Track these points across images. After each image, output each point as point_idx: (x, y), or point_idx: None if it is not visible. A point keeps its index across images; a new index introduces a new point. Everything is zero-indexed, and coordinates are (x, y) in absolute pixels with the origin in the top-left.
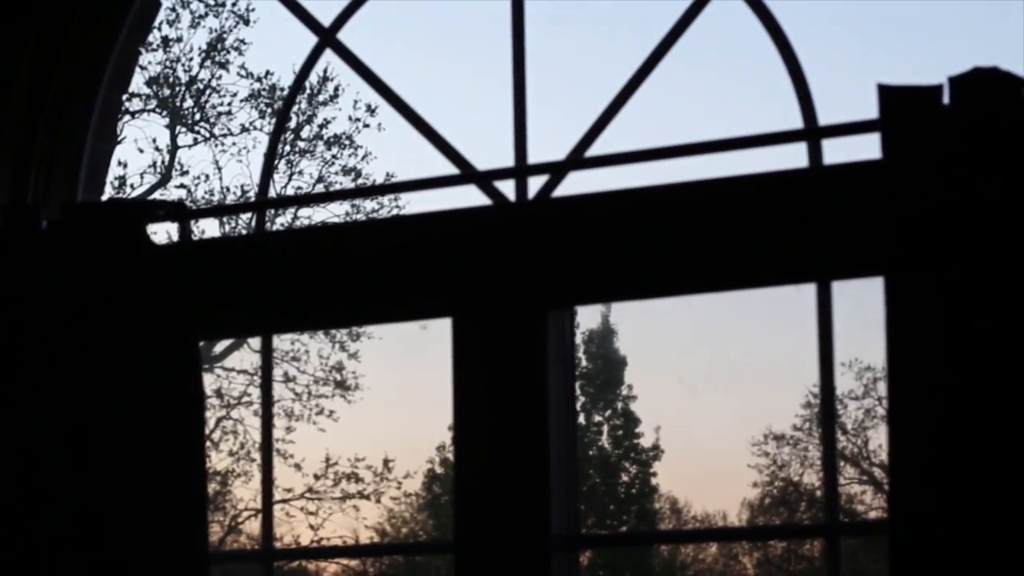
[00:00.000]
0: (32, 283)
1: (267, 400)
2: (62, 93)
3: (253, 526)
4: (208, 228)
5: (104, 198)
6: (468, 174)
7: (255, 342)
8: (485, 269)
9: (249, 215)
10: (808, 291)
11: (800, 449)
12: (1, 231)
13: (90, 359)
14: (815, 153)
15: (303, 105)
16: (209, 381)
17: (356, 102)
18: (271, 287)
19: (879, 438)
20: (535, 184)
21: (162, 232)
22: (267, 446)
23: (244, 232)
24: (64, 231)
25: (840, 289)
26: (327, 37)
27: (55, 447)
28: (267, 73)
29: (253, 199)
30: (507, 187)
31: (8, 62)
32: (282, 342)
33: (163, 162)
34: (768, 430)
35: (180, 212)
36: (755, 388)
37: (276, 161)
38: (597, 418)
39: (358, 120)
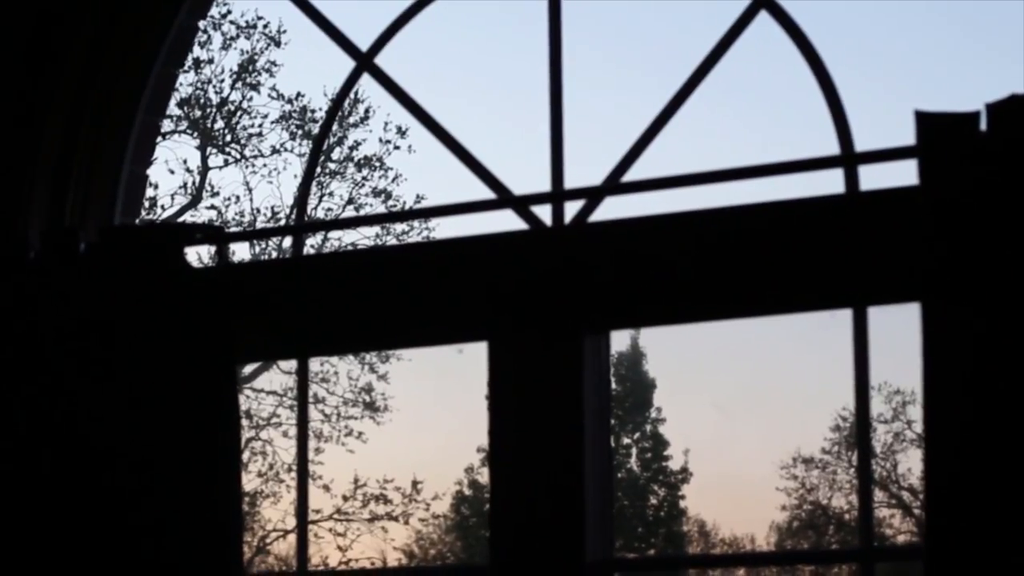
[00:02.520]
0: (70, 306)
1: (303, 422)
2: (100, 117)
3: (281, 547)
4: (238, 250)
5: (141, 223)
6: (505, 199)
7: (284, 363)
8: (521, 293)
9: (279, 237)
10: (839, 315)
11: (829, 473)
12: (39, 254)
13: (128, 381)
14: (852, 179)
15: (334, 127)
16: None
17: (387, 124)
18: (308, 310)
19: (908, 462)
20: (571, 209)
21: (192, 254)
22: (303, 467)
23: (276, 254)
24: (102, 254)
25: (868, 312)
26: (365, 62)
27: (92, 468)
28: (298, 95)
29: (284, 221)
30: (543, 211)
31: (47, 85)
32: (311, 363)
33: (194, 183)
34: (797, 453)
35: (217, 236)
36: (783, 411)
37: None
38: (626, 440)
39: (388, 142)
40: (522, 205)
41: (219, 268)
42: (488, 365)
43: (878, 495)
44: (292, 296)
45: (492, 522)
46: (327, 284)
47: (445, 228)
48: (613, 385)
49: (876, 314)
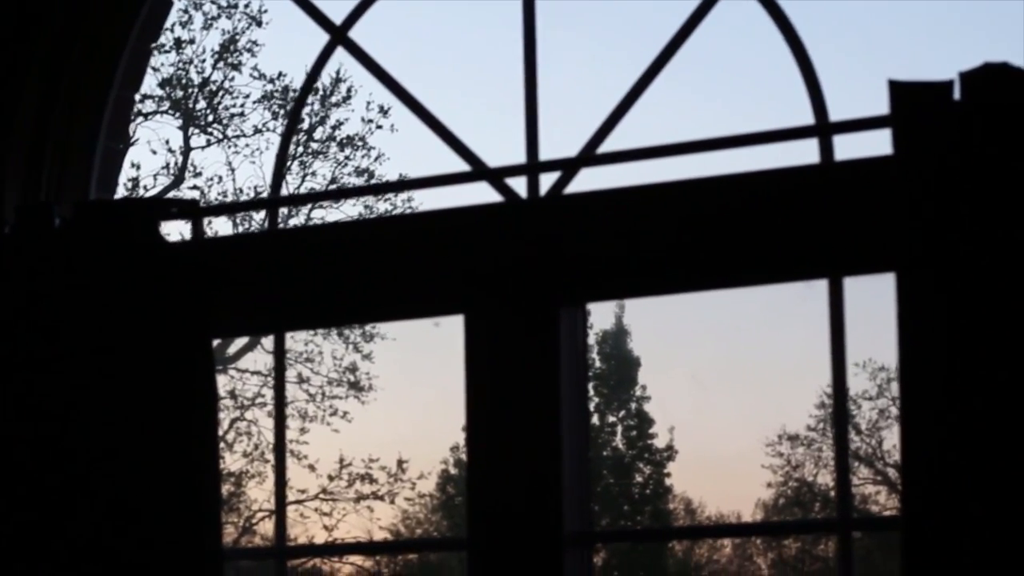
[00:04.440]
0: (45, 281)
1: (280, 396)
2: (74, 92)
3: (267, 527)
4: (220, 228)
5: (117, 198)
6: (480, 171)
7: (269, 343)
8: (497, 266)
9: (262, 215)
10: (821, 288)
11: (814, 449)
12: (14, 229)
13: (103, 357)
14: (826, 149)
15: (316, 107)
16: (223, 382)
17: (369, 103)
18: (284, 285)
19: (893, 438)
20: (547, 181)
21: (175, 232)
22: (280, 435)
23: (257, 231)
24: (77, 229)
25: (855, 288)
26: (339, 35)
27: (68, 446)
28: (279, 75)
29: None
30: (519, 184)
31: (21, 60)
32: (296, 343)
33: (176, 163)
34: (782, 430)
35: (193, 210)
36: (769, 388)
37: (289, 162)
38: (611, 419)
39: (371, 121)
40: (497, 177)
41: (194, 242)
42: (464, 338)
43: (864, 472)
44: (268, 270)
45: (470, 494)
46: (303, 258)
47: (427, 207)
48: (598, 363)
49: (861, 292)
